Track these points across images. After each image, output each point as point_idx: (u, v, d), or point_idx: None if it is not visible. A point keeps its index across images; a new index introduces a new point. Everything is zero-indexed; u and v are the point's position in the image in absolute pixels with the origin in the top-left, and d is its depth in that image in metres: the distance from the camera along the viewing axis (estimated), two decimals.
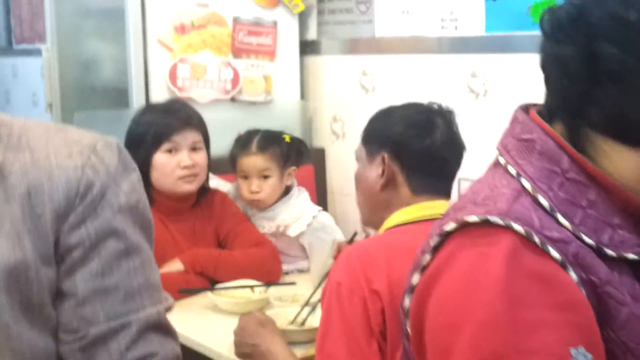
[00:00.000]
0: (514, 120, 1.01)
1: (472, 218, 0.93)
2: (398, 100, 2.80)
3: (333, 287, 1.62)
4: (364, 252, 1.65)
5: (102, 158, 0.96)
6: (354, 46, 3.10)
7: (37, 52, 4.30)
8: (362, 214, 1.87)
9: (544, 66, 0.98)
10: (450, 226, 0.95)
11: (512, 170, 0.97)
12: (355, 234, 2.30)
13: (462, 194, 1.04)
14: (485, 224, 0.92)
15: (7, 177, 0.93)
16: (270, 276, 2.47)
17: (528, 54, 2.44)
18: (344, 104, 3.16)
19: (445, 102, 1.89)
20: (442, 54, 2.72)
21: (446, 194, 1.81)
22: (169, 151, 2.41)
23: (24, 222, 0.92)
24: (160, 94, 2.85)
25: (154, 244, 1.03)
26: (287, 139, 2.67)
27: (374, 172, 1.79)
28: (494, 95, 2.57)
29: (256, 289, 2.35)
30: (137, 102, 2.85)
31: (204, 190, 2.54)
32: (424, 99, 1.91)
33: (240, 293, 2.34)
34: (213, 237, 2.56)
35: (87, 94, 3.30)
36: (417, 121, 1.80)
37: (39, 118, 3.90)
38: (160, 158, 2.40)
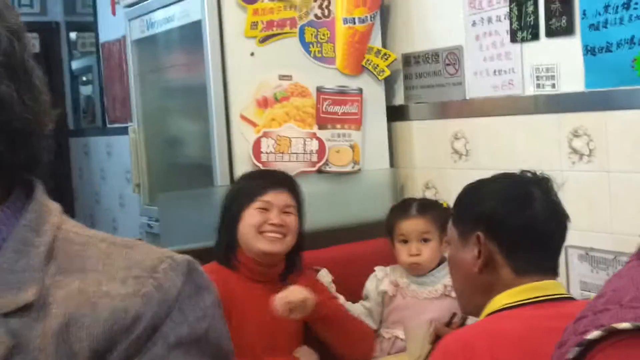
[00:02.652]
0: None
1: (624, 325, 0.80)
2: (495, 164, 2.67)
3: None
4: (465, 342, 1.50)
5: (161, 283, 0.79)
6: (444, 110, 2.96)
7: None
8: (460, 300, 1.71)
9: None
10: (594, 335, 0.82)
11: None
12: (454, 315, 2.13)
13: (600, 292, 0.89)
14: None
15: (49, 306, 0.78)
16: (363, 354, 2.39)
17: (636, 110, 2.25)
18: (436, 170, 3.01)
19: (548, 165, 1.72)
20: (540, 114, 2.55)
21: (553, 272, 1.64)
22: (260, 209, 2.33)
23: None
24: (244, 171, 2.78)
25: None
26: (445, 205, 2.62)
27: (469, 253, 1.63)
28: (601, 156, 2.36)
29: None
30: (221, 179, 2.78)
31: (296, 259, 2.42)
32: (523, 162, 1.75)
33: None
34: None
35: (173, 172, 3.26)
36: (511, 194, 1.65)
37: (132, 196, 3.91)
38: (249, 213, 2.33)
